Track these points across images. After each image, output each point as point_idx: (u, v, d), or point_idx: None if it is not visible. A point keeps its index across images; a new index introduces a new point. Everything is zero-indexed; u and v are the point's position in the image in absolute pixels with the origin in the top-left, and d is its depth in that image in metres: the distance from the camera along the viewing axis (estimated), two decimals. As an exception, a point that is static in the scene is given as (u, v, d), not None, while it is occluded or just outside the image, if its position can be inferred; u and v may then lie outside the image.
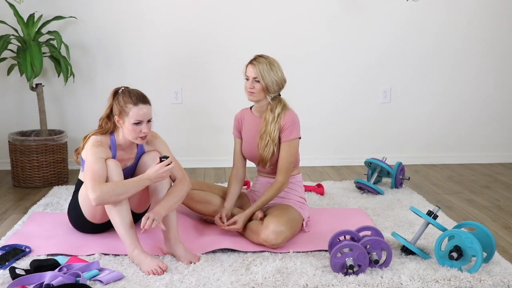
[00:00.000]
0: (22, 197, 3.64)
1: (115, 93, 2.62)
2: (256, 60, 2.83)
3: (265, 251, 2.66)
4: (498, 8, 4.47)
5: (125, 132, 2.59)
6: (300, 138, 2.91)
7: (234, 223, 2.79)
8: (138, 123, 2.54)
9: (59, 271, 2.34)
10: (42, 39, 4.03)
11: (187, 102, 4.41)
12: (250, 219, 2.83)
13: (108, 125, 2.64)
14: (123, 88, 2.63)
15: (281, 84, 2.87)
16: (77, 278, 2.27)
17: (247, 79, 2.85)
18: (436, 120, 4.60)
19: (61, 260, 2.47)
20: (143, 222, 2.42)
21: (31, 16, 3.92)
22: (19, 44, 3.94)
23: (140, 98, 2.56)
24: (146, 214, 2.45)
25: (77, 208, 2.75)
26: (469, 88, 4.58)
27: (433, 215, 2.61)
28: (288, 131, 2.85)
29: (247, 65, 2.86)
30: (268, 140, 2.86)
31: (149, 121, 2.58)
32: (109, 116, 2.63)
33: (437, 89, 4.55)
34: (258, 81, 2.81)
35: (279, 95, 2.91)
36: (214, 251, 2.64)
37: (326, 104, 4.49)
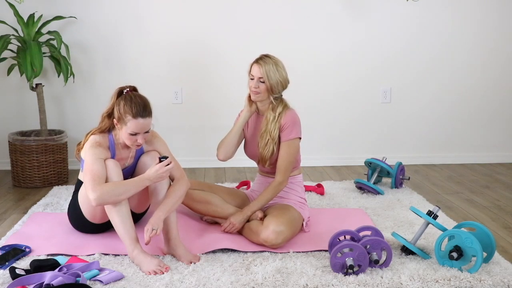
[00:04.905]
0: (22, 197, 3.64)
1: (119, 94, 2.58)
2: (262, 60, 2.83)
3: (265, 251, 2.66)
4: (499, 9, 4.47)
5: (121, 136, 2.58)
6: (300, 138, 2.91)
7: (232, 225, 2.81)
8: (134, 134, 2.53)
9: (59, 271, 2.34)
10: (42, 39, 4.03)
11: (187, 102, 4.41)
12: (249, 219, 2.84)
13: (107, 123, 2.63)
14: (127, 89, 2.57)
15: (285, 84, 2.88)
16: (77, 278, 2.27)
17: (252, 79, 2.84)
18: (436, 120, 4.60)
19: (61, 260, 2.47)
20: (145, 236, 2.45)
21: (31, 16, 3.92)
22: (19, 44, 3.94)
23: (140, 111, 2.49)
24: (145, 227, 2.46)
25: (77, 208, 2.75)
26: (469, 88, 4.58)
27: (433, 215, 2.61)
28: (288, 130, 2.85)
29: (252, 64, 2.86)
30: (268, 139, 2.86)
31: (146, 131, 2.56)
32: (110, 115, 2.61)
33: (437, 89, 4.55)
34: (263, 82, 2.81)
35: (281, 95, 2.92)
36: (214, 251, 2.64)
37: (326, 104, 4.49)
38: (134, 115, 2.49)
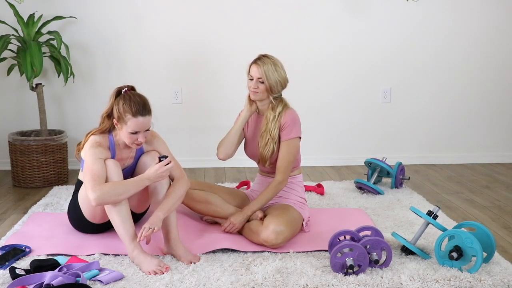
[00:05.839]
0: (22, 197, 3.64)
1: (117, 93, 2.58)
2: (261, 60, 2.83)
3: (265, 251, 2.66)
4: (499, 8, 4.47)
5: (122, 135, 2.58)
6: (300, 137, 2.91)
7: (232, 225, 2.81)
8: (135, 133, 2.53)
9: (59, 271, 2.34)
10: (42, 39, 4.03)
11: (187, 102, 4.41)
12: (249, 219, 2.84)
13: (107, 123, 2.63)
14: (126, 89, 2.58)
15: (284, 84, 2.88)
16: (77, 278, 2.28)
17: (251, 79, 2.84)
18: (436, 120, 4.60)
19: (61, 260, 2.47)
20: (139, 233, 2.45)
21: (31, 16, 3.92)
22: (19, 44, 3.94)
23: (140, 110, 2.50)
24: (143, 225, 2.46)
25: (77, 208, 2.75)
26: (469, 88, 4.58)
27: (433, 215, 2.61)
28: (288, 130, 2.85)
29: (251, 65, 2.86)
30: (269, 139, 2.86)
31: (146, 130, 2.56)
32: (109, 115, 2.61)
33: (437, 89, 4.55)
34: (262, 82, 2.81)
35: (281, 95, 2.92)
36: (214, 251, 2.64)
37: (326, 104, 4.49)
38: (134, 113, 2.49)
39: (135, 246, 2.48)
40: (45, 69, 4.18)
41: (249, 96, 2.90)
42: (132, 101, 2.51)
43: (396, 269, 2.45)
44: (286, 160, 2.85)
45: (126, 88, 2.58)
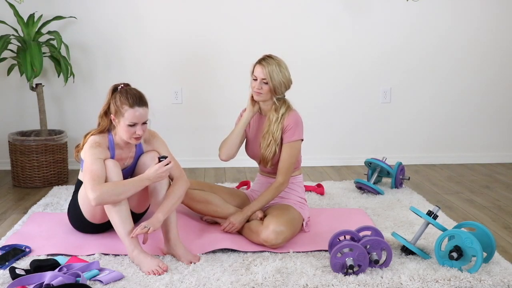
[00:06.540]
0: (22, 197, 3.64)
1: (114, 90, 2.61)
2: (265, 60, 2.81)
3: (265, 251, 2.66)
4: (499, 8, 4.47)
5: (120, 131, 2.58)
6: (302, 140, 2.91)
7: (232, 225, 2.81)
8: (132, 125, 2.54)
9: (59, 271, 2.34)
10: (42, 39, 4.03)
11: (187, 102, 4.41)
12: (249, 219, 2.83)
13: (105, 122, 2.64)
14: (122, 85, 2.61)
15: (288, 85, 2.87)
16: (77, 278, 2.28)
17: (255, 80, 2.83)
18: (436, 120, 4.60)
19: (61, 260, 2.47)
20: (134, 230, 2.46)
21: (31, 16, 3.92)
22: (19, 44, 3.94)
23: (137, 101, 2.53)
24: (142, 224, 2.46)
25: (77, 208, 2.75)
26: (469, 88, 4.58)
27: (433, 215, 2.61)
28: (291, 132, 2.84)
29: (255, 65, 2.84)
30: (271, 140, 2.85)
31: (144, 123, 2.57)
32: (107, 113, 2.63)
33: (437, 89, 4.55)
34: (266, 83, 2.80)
35: (284, 96, 2.91)
36: (214, 251, 2.64)
37: (326, 104, 4.49)
38: (131, 104, 2.51)
39: (135, 246, 2.48)
40: (45, 69, 4.18)
41: (252, 97, 2.89)
42: (129, 93, 2.55)
43: (396, 269, 2.45)
44: (287, 162, 2.85)
45: (122, 85, 2.61)
